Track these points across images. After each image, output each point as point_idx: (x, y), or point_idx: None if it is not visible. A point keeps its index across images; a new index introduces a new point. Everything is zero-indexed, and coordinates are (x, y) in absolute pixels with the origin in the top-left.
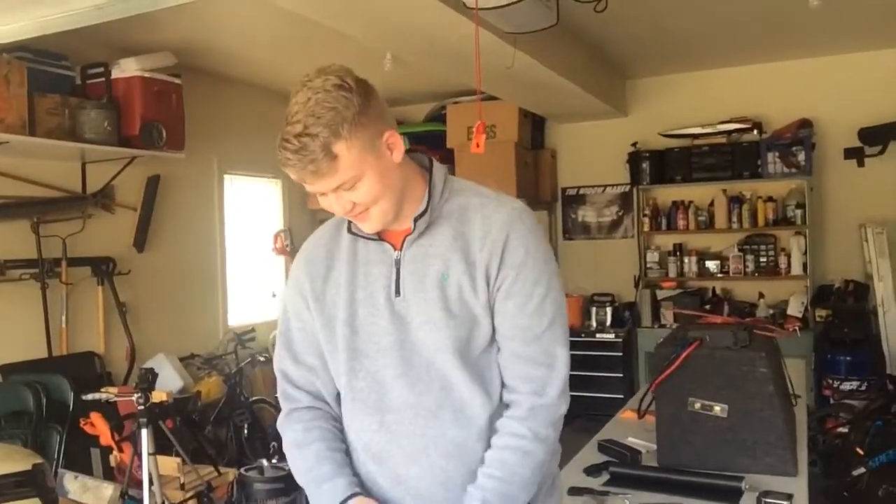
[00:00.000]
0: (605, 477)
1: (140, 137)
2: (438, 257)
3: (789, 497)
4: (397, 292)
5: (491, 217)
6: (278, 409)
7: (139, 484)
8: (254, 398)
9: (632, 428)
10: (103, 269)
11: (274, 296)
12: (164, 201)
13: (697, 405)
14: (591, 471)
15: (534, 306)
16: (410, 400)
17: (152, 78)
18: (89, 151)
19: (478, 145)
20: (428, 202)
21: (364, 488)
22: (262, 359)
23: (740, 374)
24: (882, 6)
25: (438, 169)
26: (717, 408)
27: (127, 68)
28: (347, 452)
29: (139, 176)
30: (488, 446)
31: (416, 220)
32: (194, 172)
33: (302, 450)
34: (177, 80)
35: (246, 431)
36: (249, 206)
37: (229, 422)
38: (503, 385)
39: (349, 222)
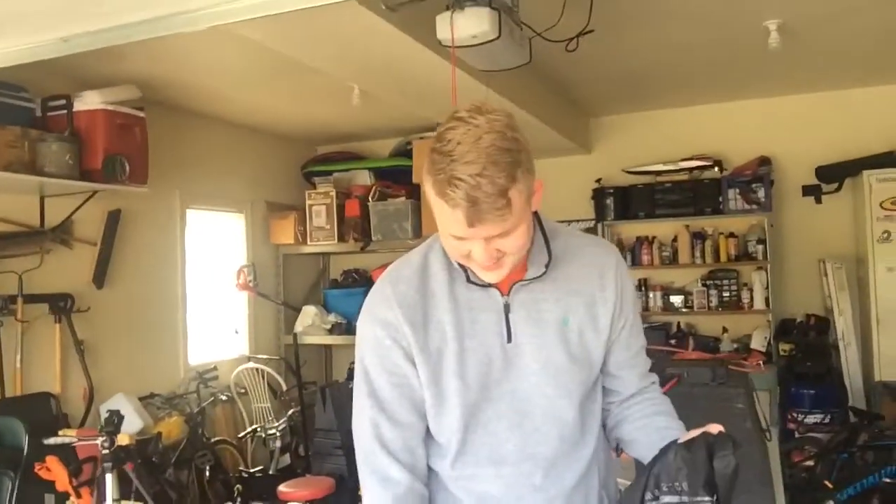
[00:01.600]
0: None
1: (102, 171)
2: (555, 302)
3: None
4: (509, 339)
5: (599, 258)
6: (239, 450)
7: None
8: (216, 439)
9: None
10: (61, 305)
11: (237, 332)
12: (125, 236)
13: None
14: None
15: (636, 332)
16: (528, 451)
17: (115, 111)
18: (49, 185)
19: None
20: (548, 248)
21: None
22: (224, 398)
23: (719, 409)
24: (837, 49)
25: (538, 212)
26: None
27: (90, 101)
28: None
29: (99, 210)
30: (589, 482)
31: (546, 265)
32: (156, 207)
33: None
34: (140, 114)
35: (208, 474)
36: (212, 240)
37: (191, 464)
38: (626, 388)
39: (466, 272)
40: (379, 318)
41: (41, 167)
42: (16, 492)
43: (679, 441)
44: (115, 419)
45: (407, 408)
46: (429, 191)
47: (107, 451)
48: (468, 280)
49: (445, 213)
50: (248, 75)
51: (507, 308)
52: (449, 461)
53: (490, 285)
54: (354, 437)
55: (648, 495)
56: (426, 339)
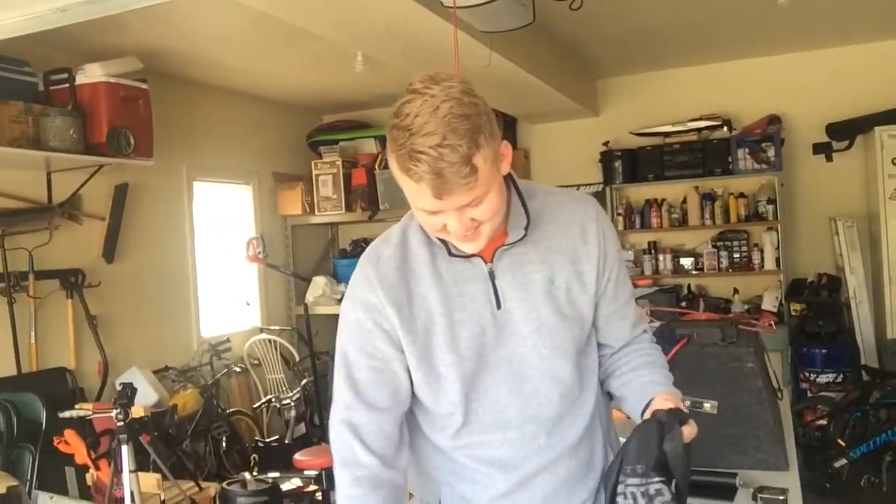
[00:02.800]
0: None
1: (107, 145)
2: (539, 263)
3: (784, 492)
4: (498, 305)
5: (576, 213)
6: (255, 421)
7: (119, 502)
8: (231, 410)
9: (620, 427)
10: (72, 281)
11: (248, 304)
12: (133, 210)
13: (687, 402)
14: None
15: (625, 280)
16: (530, 413)
17: (118, 83)
18: (55, 160)
19: None
20: (526, 211)
21: (478, 488)
22: (237, 369)
23: (729, 370)
24: (847, 3)
25: (512, 174)
26: (707, 405)
27: (92, 74)
28: None
29: (107, 184)
30: (593, 435)
31: (525, 228)
32: (163, 180)
33: None
34: (143, 86)
35: (224, 444)
36: (220, 212)
37: (207, 435)
38: (617, 339)
39: (446, 245)
40: (360, 301)
41: (46, 142)
42: (36, 465)
43: (640, 420)
44: (129, 391)
45: (384, 393)
46: (393, 168)
47: (121, 424)
48: (450, 254)
49: (412, 189)
50: (251, 44)
51: (492, 275)
52: (451, 433)
53: (473, 255)
54: (329, 420)
55: (620, 477)
56: (412, 318)
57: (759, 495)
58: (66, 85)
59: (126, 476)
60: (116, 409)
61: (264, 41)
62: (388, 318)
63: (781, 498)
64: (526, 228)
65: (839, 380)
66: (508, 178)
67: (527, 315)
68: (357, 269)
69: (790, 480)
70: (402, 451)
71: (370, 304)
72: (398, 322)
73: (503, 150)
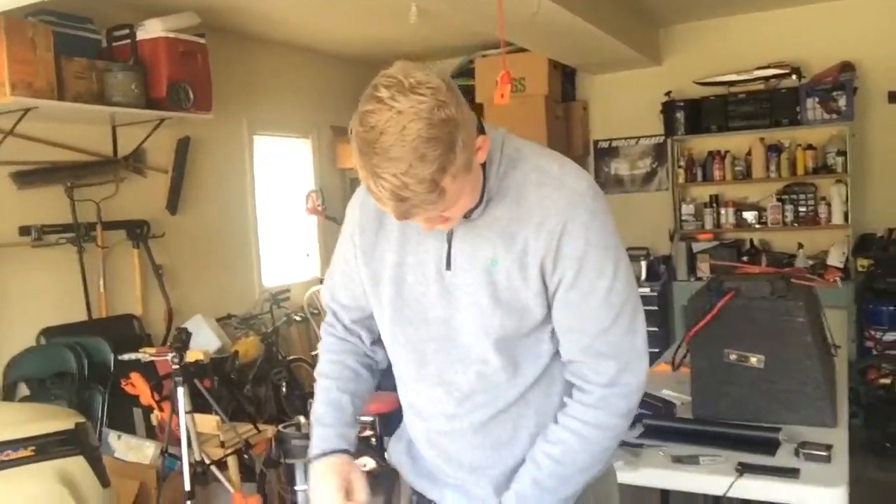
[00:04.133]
0: (640, 430)
1: (167, 99)
2: (488, 241)
3: (828, 448)
4: (448, 266)
5: (548, 200)
6: (314, 367)
7: (178, 441)
8: (291, 357)
9: (666, 381)
10: (138, 232)
11: (308, 256)
12: (195, 163)
13: (733, 356)
14: None
15: (598, 300)
16: (445, 377)
17: (177, 38)
18: (119, 114)
19: (502, 96)
20: (483, 190)
21: (409, 419)
22: (297, 318)
23: (777, 324)
24: None
25: (495, 140)
26: (753, 358)
27: (151, 29)
28: (360, 394)
29: (169, 138)
30: (511, 424)
31: (473, 209)
32: (223, 133)
33: (319, 382)
34: (201, 41)
35: (284, 389)
36: (280, 166)
37: (267, 380)
38: (570, 370)
39: None
40: (348, 213)
41: (109, 97)
42: (106, 405)
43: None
44: (184, 336)
45: (346, 294)
46: (359, 174)
47: (176, 367)
48: None
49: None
50: None
51: (450, 236)
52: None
53: None
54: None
55: None
56: (374, 243)
57: (802, 451)
58: (128, 41)
59: (182, 417)
60: (172, 353)
61: None
62: (355, 235)
63: (825, 454)
64: (472, 211)
65: None
66: (491, 140)
67: (466, 287)
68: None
69: (837, 437)
70: (361, 332)
71: (351, 218)
72: (359, 242)
73: (480, 144)
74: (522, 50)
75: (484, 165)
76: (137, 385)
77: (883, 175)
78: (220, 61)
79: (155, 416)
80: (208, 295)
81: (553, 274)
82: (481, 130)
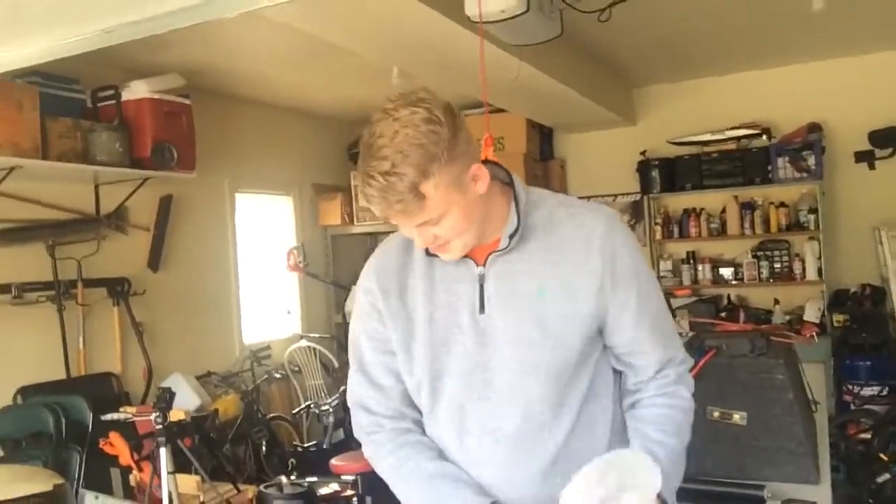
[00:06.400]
0: None
1: (151, 159)
2: (529, 273)
3: None
4: (482, 309)
5: (584, 226)
6: (294, 426)
7: (159, 502)
8: (271, 415)
9: None
10: (119, 289)
11: (289, 313)
12: (177, 221)
13: (716, 413)
14: None
15: (643, 307)
16: (490, 425)
17: (162, 99)
18: (102, 173)
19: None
20: (518, 219)
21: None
22: (277, 376)
23: (758, 381)
24: (886, 8)
25: (518, 181)
26: (736, 416)
27: (137, 90)
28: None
29: (151, 197)
30: (562, 464)
31: (510, 237)
32: (206, 192)
33: (401, 474)
34: (186, 101)
35: (264, 448)
36: (262, 223)
37: (247, 439)
38: (638, 374)
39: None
40: (363, 287)
41: (93, 156)
42: (83, 465)
43: None
44: (167, 396)
45: (387, 372)
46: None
47: (160, 426)
48: (427, 252)
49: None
50: (290, 59)
51: (482, 278)
52: (428, 424)
53: (466, 256)
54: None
55: None
56: (400, 305)
57: None
58: (113, 101)
59: (164, 477)
60: (155, 412)
61: (303, 56)
62: (378, 301)
63: None
64: (511, 238)
65: (884, 392)
66: (508, 185)
67: (507, 325)
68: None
69: (821, 494)
70: (412, 414)
71: (368, 289)
72: (383, 306)
73: (476, 172)
74: (501, 110)
75: (518, 209)
76: (116, 445)
77: (853, 232)
78: (203, 121)
79: (134, 477)
80: (188, 352)
81: (612, 290)
82: (505, 179)
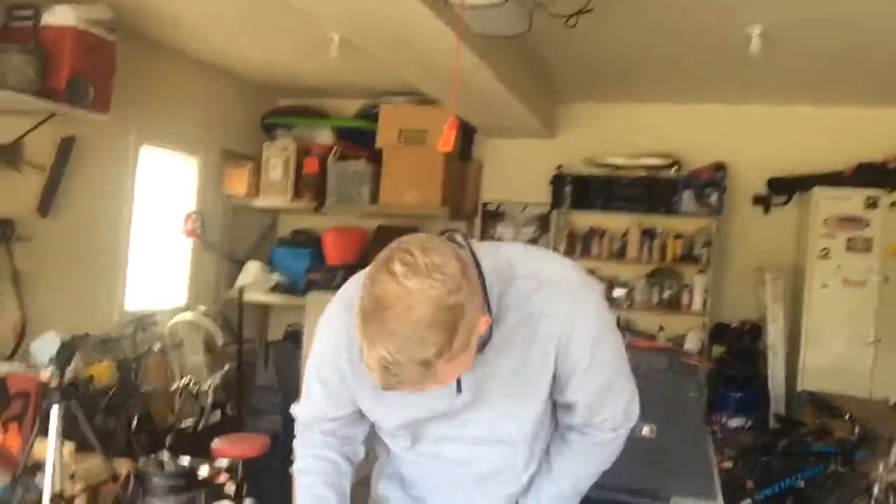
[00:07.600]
0: None
1: (66, 92)
2: (507, 355)
3: None
4: (458, 389)
5: (549, 303)
6: (168, 403)
7: (29, 470)
8: (145, 388)
9: None
10: (1, 232)
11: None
12: (76, 165)
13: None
14: None
15: (602, 384)
16: (466, 456)
17: (87, 31)
18: (6, 99)
19: (446, 143)
20: (492, 324)
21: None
22: (156, 347)
23: (676, 398)
24: (814, 65)
25: (486, 267)
26: (645, 429)
27: (60, 16)
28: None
29: (52, 135)
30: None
31: (484, 344)
32: (111, 139)
33: (300, 478)
34: (111, 37)
35: (135, 423)
36: (164, 182)
37: (120, 412)
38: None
39: None
40: (329, 339)
41: (2, 79)
42: None
43: None
44: (68, 353)
45: (339, 409)
46: (356, 330)
47: (56, 385)
48: None
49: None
50: (227, 13)
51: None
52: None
53: None
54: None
55: None
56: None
57: None
58: (31, 22)
59: (52, 443)
60: (53, 366)
61: (241, 14)
62: (343, 366)
63: None
64: (485, 345)
65: (748, 426)
66: (480, 276)
67: (489, 402)
68: (335, 308)
69: None
70: (359, 447)
71: (337, 345)
72: (351, 376)
73: (482, 326)
74: (428, 102)
75: (490, 308)
76: None
77: (740, 269)
78: (120, 63)
79: None
80: (66, 310)
81: (565, 366)
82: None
